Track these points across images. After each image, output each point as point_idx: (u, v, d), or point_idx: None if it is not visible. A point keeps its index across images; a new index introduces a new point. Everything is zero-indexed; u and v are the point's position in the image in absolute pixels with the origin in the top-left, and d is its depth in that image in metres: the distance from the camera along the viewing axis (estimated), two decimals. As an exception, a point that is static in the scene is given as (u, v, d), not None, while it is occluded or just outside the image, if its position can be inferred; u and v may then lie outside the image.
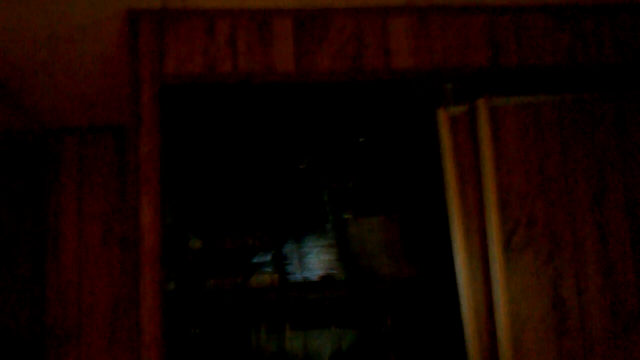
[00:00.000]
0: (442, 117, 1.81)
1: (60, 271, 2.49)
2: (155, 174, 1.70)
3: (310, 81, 1.79)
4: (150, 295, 1.65)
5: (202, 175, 2.36)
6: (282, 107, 2.07)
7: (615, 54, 1.86)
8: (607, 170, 1.81)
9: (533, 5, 1.84)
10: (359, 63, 1.78)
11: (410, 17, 1.82)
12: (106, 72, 2.08)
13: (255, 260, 2.32)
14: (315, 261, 2.35)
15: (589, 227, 1.79)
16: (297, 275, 2.34)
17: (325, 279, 2.35)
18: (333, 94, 1.99)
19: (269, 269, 2.31)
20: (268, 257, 2.32)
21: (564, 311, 1.75)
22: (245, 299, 2.21)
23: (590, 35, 1.86)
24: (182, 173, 2.31)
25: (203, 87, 1.78)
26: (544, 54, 1.84)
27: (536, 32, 1.84)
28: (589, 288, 1.76)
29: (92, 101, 2.34)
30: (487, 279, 1.76)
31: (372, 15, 1.80)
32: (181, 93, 1.83)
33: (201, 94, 1.88)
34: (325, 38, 1.78)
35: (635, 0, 1.86)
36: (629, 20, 1.88)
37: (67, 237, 2.51)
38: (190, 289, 2.25)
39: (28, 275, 2.54)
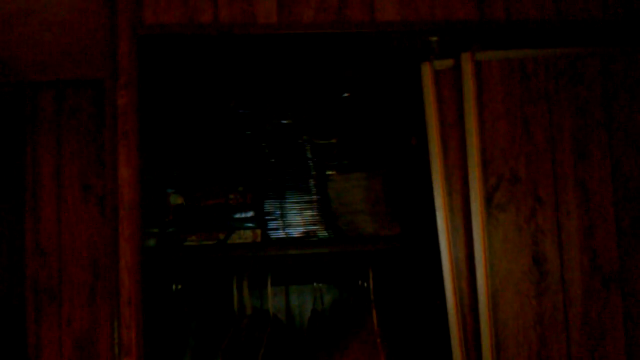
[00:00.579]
0: (427, 71, 1.78)
1: (39, 227, 2.46)
2: (133, 127, 1.67)
3: (294, 33, 1.75)
4: (129, 251, 1.64)
5: (183, 130, 2.34)
6: (265, 60, 2.04)
7: (602, 9, 1.84)
8: (592, 128, 1.81)
9: (521, -42, 1.81)
10: (343, 15, 1.75)
11: (396, -32, 1.78)
12: (83, 23, 2.03)
13: (237, 216, 2.30)
14: (297, 218, 2.35)
15: (571, 185, 1.79)
16: (280, 232, 2.33)
17: (308, 235, 2.35)
18: (317, 48, 1.96)
19: (251, 226, 2.31)
20: (250, 214, 2.31)
21: (544, 268, 1.76)
22: (227, 256, 2.21)
23: (577, -10, 1.84)
24: (162, 128, 2.28)
25: (183, 38, 1.74)
26: (531, 9, 1.81)
27: (524, -15, 1.82)
28: (570, 245, 1.77)
29: (70, 53, 2.29)
30: (468, 235, 1.76)
31: (357, -34, 1.76)
32: (160, 44, 1.79)
33: (181, 45, 1.84)
34: (308, -12, 1.75)
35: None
36: (618, -25, 1.86)
37: (45, 193, 2.48)
38: (171, 246, 2.24)
39: (6, 231, 2.51)
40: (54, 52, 2.28)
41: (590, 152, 1.80)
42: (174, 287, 2.19)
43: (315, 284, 2.38)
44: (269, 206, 2.34)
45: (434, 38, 1.82)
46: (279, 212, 2.34)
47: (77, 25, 2.05)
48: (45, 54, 2.29)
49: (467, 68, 1.76)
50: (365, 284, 2.18)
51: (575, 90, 1.81)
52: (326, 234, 2.34)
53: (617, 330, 1.74)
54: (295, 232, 2.34)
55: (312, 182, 2.36)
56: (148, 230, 1.88)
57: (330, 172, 2.37)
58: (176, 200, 2.28)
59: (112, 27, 1.71)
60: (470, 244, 1.75)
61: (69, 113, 2.53)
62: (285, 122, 2.36)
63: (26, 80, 2.53)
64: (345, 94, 2.36)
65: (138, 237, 1.64)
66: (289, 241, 2.32)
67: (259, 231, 2.29)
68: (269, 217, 2.33)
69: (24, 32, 2.09)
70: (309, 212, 2.35)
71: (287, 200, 2.34)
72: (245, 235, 2.29)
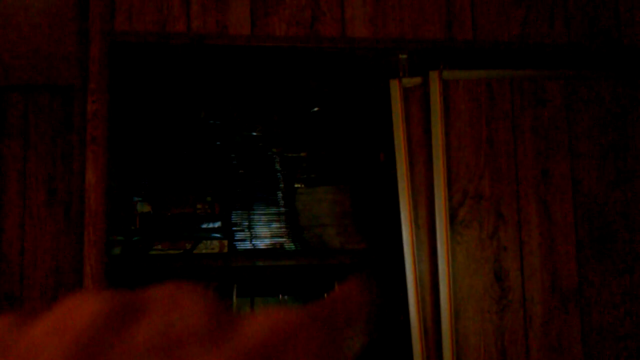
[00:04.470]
0: (395, 88, 1.81)
1: (2, 233, 2.42)
2: (102, 133, 1.66)
3: (266, 46, 1.76)
4: (93, 258, 1.62)
5: (152, 138, 2.32)
6: (236, 72, 2.04)
7: (567, 34, 1.89)
8: (554, 148, 1.84)
9: (490, -19, 1.86)
10: (315, 30, 1.77)
11: (368, -14, 1.81)
12: (55, 27, 2.01)
13: (204, 226, 2.30)
14: (265, 230, 2.35)
15: (534, 203, 1.82)
16: (247, 243, 2.33)
17: (275, 247, 2.35)
18: (288, 62, 1.97)
19: (218, 236, 2.30)
20: (217, 224, 2.31)
21: (506, 284, 1.78)
22: (193, 265, 2.20)
23: (543, 14, 1.88)
24: (131, 135, 2.26)
25: (155, 46, 1.74)
26: (497, 31, 1.85)
27: (492, 8, 1.86)
28: (531, 263, 1.79)
29: (39, 58, 2.26)
30: (432, 251, 1.78)
31: (330, -17, 1.79)
32: (132, 52, 1.78)
33: (153, 54, 1.84)
34: (282, 2, 1.76)
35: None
36: (582, 2, 1.91)
37: (9, 198, 2.44)
38: (137, 254, 2.22)
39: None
40: (24, 56, 2.25)
41: (552, 172, 1.83)
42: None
43: (281, 296, 2.38)
44: (236, 217, 2.33)
45: (403, 56, 1.84)
46: (246, 224, 2.34)
47: (48, 29, 2.03)
48: (15, 58, 2.26)
49: (435, 86, 1.79)
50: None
51: (539, 111, 1.85)
52: (293, 246, 2.34)
53: (575, 347, 1.77)
54: (262, 243, 2.34)
55: (280, 194, 2.37)
56: (113, 237, 1.87)
57: (298, 185, 2.37)
58: (143, 208, 2.27)
59: (83, 33, 1.70)
60: (435, 259, 1.76)
61: (37, 118, 2.50)
62: (255, 134, 2.36)
63: (-6, 84, 2.50)
64: (315, 109, 2.38)
65: (103, 243, 1.63)
66: (256, 252, 2.32)
67: (226, 242, 2.29)
68: (236, 228, 2.33)
69: (-6, 35, 2.07)
70: (276, 225, 2.35)
71: (255, 212, 2.34)
72: (212, 246, 2.28)
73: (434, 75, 1.80)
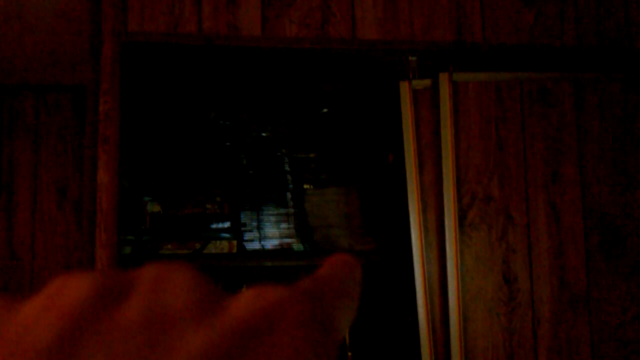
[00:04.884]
0: (405, 90, 1.81)
1: (13, 232, 2.44)
2: (114, 133, 1.67)
3: (276, 47, 1.77)
4: (105, 257, 1.63)
5: (162, 139, 2.34)
6: (246, 73, 2.05)
7: (576, 36, 1.89)
8: (563, 150, 1.84)
9: (500, -16, 1.86)
10: (326, 31, 1.77)
11: (378, -12, 1.81)
12: (67, 28, 2.03)
13: (213, 226, 2.31)
14: (273, 230, 2.36)
15: (543, 206, 1.82)
16: (255, 243, 2.33)
17: (283, 248, 2.35)
18: (298, 63, 1.98)
19: (227, 236, 2.31)
20: (227, 224, 2.32)
21: (514, 287, 1.78)
22: (202, 265, 2.21)
23: (552, 17, 1.88)
24: (141, 135, 2.27)
25: (166, 46, 1.75)
26: (507, 33, 1.85)
27: (501, 11, 1.86)
28: (540, 265, 1.80)
29: (52, 58, 2.28)
30: (441, 252, 1.78)
31: (340, -16, 1.80)
32: (143, 52, 1.80)
33: (164, 54, 1.85)
34: (293, 3, 1.77)
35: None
36: (591, 5, 1.91)
37: (20, 198, 2.46)
38: (147, 254, 2.24)
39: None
40: (36, 57, 2.27)
41: (561, 175, 1.83)
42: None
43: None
44: (245, 217, 2.34)
45: (413, 58, 1.85)
46: (255, 224, 2.34)
47: (60, 30, 2.05)
48: (27, 58, 2.28)
49: (445, 88, 1.79)
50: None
51: (548, 114, 1.85)
52: (302, 247, 2.35)
53: (584, 349, 1.77)
54: (271, 244, 2.34)
55: (289, 195, 2.37)
56: (124, 237, 1.88)
57: (307, 186, 2.38)
58: (153, 208, 2.28)
59: (96, 33, 1.71)
60: (443, 261, 1.77)
61: (48, 117, 2.51)
62: (264, 135, 2.37)
63: (6, 83, 2.52)
64: (325, 110, 2.38)
65: (114, 243, 1.64)
66: (265, 253, 2.33)
67: (235, 242, 2.30)
68: (245, 229, 2.33)
69: (5, 35, 2.09)
70: (285, 225, 2.36)
71: (264, 213, 2.35)
72: (222, 246, 2.29)
73: (443, 77, 1.80)
